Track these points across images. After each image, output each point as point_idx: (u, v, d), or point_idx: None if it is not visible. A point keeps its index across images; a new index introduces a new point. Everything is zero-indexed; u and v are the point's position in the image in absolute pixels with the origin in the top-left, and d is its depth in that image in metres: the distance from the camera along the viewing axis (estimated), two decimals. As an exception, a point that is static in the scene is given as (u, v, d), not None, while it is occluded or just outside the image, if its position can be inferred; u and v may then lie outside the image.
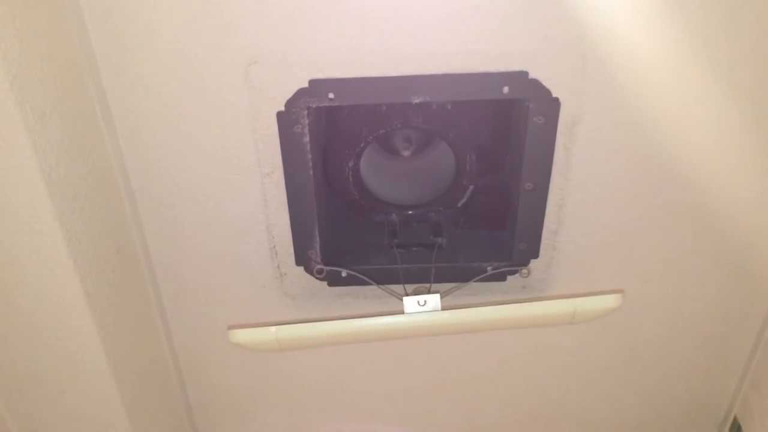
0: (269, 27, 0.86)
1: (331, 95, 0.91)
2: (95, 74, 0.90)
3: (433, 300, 0.93)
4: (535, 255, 1.09)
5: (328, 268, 1.07)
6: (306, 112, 0.93)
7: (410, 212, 1.17)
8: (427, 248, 1.12)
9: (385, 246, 1.13)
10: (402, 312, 0.94)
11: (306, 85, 0.91)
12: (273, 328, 0.90)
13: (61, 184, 0.83)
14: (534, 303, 0.92)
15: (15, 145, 0.75)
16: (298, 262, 1.09)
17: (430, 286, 1.06)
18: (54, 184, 0.81)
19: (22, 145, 0.75)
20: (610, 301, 0.93)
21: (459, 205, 1.14)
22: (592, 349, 1.26)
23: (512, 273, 1.10)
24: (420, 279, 1.09)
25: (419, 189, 1.17)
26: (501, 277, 1.11)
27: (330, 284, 1.12)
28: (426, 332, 0.95)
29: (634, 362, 1.28)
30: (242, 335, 0.92)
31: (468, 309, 0.91)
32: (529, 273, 1.08)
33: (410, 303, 0.94)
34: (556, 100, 0.92)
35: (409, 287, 1.04)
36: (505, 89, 0.91)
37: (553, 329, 1.17)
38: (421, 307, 0.93)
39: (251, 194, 1.03)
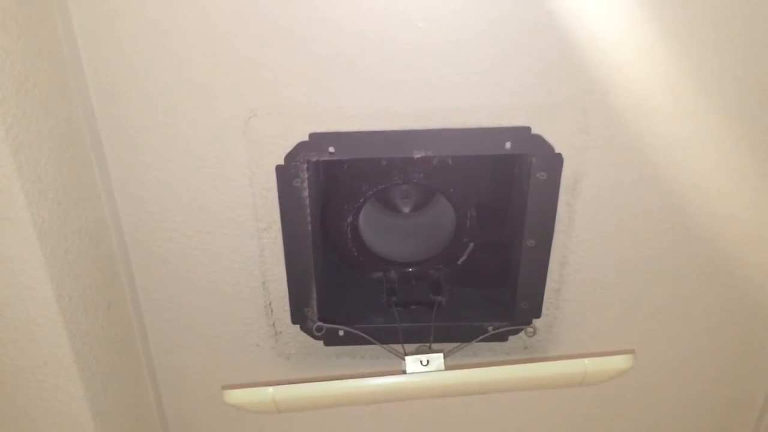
0: (270, 80, 0.86)
1: (331, 149, 0.90)
2: (92, 126, 0.89)
3: (436, 360, 0.90)
4: (537, 314, 1.06)
5: (327, 325, 1.04)
6: (306, 165, 0.92)
7: (409, 269, 1.15)
8: (426, 307, 1.10)
9: (383, 304, 1.11)
10: (403, 373, 0.91)
11: (306, 138, 0.90)
12: (270, 389, 0.87)
13: (54, 237, 0.80)
14: (543, 363, 0.89)
15: (8, 195, 0.73)
16: (294, 320, 1.06)
17: (430, 346, 1.03)
18: (46, 236, 0.78)
19: (15, 196, 0.73)
20: (622, 361, 0.90)
21: (459, 262, 1.12)
22: (599, 412, 1.22)
23: (514, 333, 1.08)
24: (419, 338, 1.06)
25: (418, 246, 1.16)
26: (502, 338, 1.09)
27: (326, 343, 1.09)
28: (430, 393, 0.91)
29: (642, 424, 1.25)
30: (238, 396, 0.88)
31: (474, 369, 0.88)
32: (534, 332, 1.05)
33: (412, 363, 0.91)
34: (559, 155, 0.91)
35: (408, 347, 1.01)
36: (508, 144, 0.90)
37: (558, 392, 1.14)
38: (424, 367, 0.90)
39: (247, 250, 1.01)
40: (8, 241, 0.76)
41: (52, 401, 0.90)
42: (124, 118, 0.89)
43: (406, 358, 0.91)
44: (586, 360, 0.89)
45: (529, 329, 1.05)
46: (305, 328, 1.07)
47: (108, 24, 0.82)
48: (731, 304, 1.08)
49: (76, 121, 0.86)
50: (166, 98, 0.87)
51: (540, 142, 0.90)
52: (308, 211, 0.95)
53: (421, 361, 0.91)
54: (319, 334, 1.05)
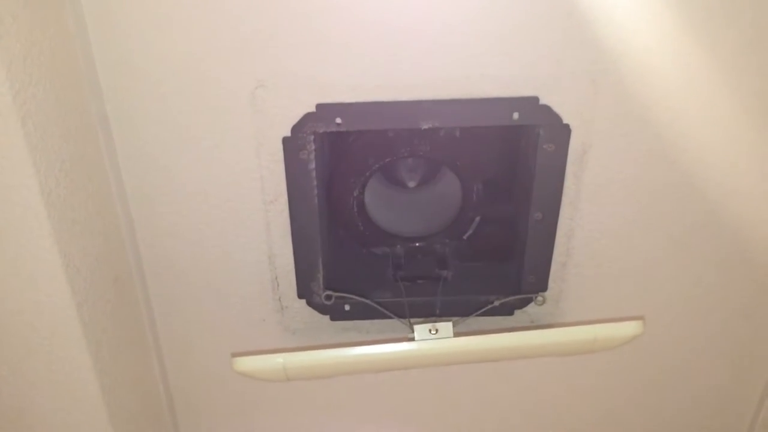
0: (277, 50, 0.85)
1: (338, 120, 0.90)
2: (98, 98, 0.88)
3: (445, 328, 0.90)
4: (544, 288, 1.06)
5: (336, 294, 1.03)
6: (312, 137, 0.91)
7: (415, 244, 1.14)
8: (432, 281, 1.09)
9: (389, 279, 1.11)
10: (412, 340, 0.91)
11: (313, 109, 0.89)
12: (280, 356, 0.86)
13: (61, 207, 0.80)
14: (553, 330, 0.88)
15: (16, 162, 0.72)
16: (300, 295, 1.06)
17: (436, 320, 1.02)
18: (54, 206, 0.78)
19: (23, 163, 0.72)
20: (631, 327, 0.89)
21: (465, 236, 1.12)
22: (606, 381, 1.23)
23: (520, 306, 1.08)
24: (425, 313, 1.06)
25: (424, 220, 1.15)
26: (508, 311, 1.09)
27: (332, 318, 1.09)
28: (439, 361, 0.91)
29: (648, 391, 1.25)
30: (247, 363, 0.88)
31: (483, 336, 0.88)
32: (544, 300, 1.05)
33: (421, 330, 0.91)
34: (567, 126, 0.91)
35: (415, 321, 1.01)
36: (515, 115, 0.90)
37: (567, 359, 1.14)
38: (433, 335, 0.90)
39: (254, 223, 1.00)
40: (16, 209, 0.76)
41: (60, 373, 0.90)
42: (129, 90, 0.89)
43: (415, 326, 0.91)
44: (596, 326, 0.88)
45: (539, 297, 1.05)
46: (311, 303, 1.07)
47: (114, -7, 0.82)
48: (739, 275, 1.08)
49: (82, 92, 0.85)
50: (172, 69, 0.87)
51: (548, 113, 0.90)
52: (315, 183, 0.95)
53: (430, 330, 0.91)
54: (328, 302, 1.04)
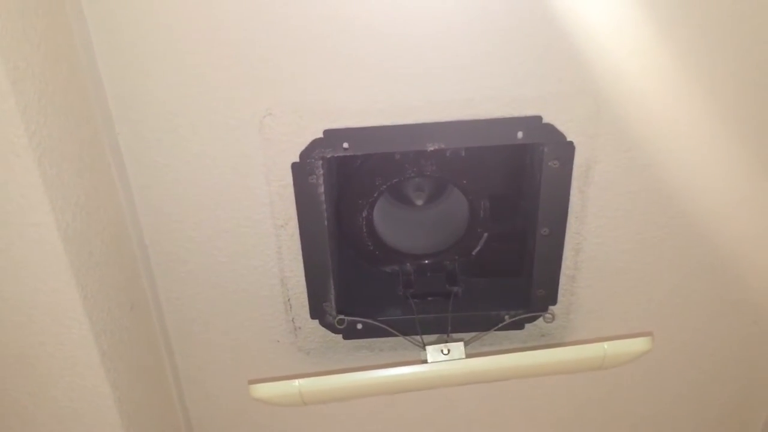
0: (283, 78, 0.87)
1: (345, 145, 0.91)
2: (110, 130, 0.90)
3: (457, 348, 0.92)
4: (554, 302, 1.07)
5: (348, 318, 1.05)
6: (321, 162, 0.93)
7: (424, 261, 1.16)
8: (442, 298, 1.11)
9: (399, 296, 1.12)
10: (423, 362, 0.92)
11: (320, 135, 0.91)
12: (296, 381, 0.88)
13: (78, 241, 0.82)
14: (563, 348, 0.89)
15: (33, 201, 0.74)
16: (313, 315, 1.08)
17: (448, 335, 1.04)
18: (71, 240, 0.80)
19: (40, 201, 0.74)
20: (641, 344, 0.91)
21: (473, 253, 1.13)
22: (616, 396, 1.23)
23: (531, 321, 1.09)
24: (436, 329, 1.07)
25: (433, 238, 1.17)
26: (519, 326, 1.10)
27: (345, 337, 1.10)
28: (452, 382, 0.93)
29: (657, 404, 1.25)
30: (264, 390, 0.89)
31: (494, 356, 0.89)
32: (553, 318, 1.06)
33: (433, 352, 0.92)
34: (571, 143, 0.92)
35: (427, 338, 1.02)
36: (520, 134, 0.91)
37: (575, 376, 1.15)
38: (445, 355, 0.91)
39: (265, 247, 1.02)
40: (34, 246, 0.78)
41: (81, 402, 0.92)
42: (140, 122, 0.91)
43: (427, 347, 0.92)
44: (605, 344, 0.90)
45: (548, 315, 1.06)
46: (324, 323, 1.08)
47: (123, 29, 0.84)
48: (745, 285, 1.09)
49: (94, 125, 0.87)
50: (182, 100, 0.89)
51: (551, 131, 0.91)
52: (324, 207, 0.97)
53: (442, 351, 0.92)
54: (341, 327, 1.06)
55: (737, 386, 1.23)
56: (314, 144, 0.91)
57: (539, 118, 0.90)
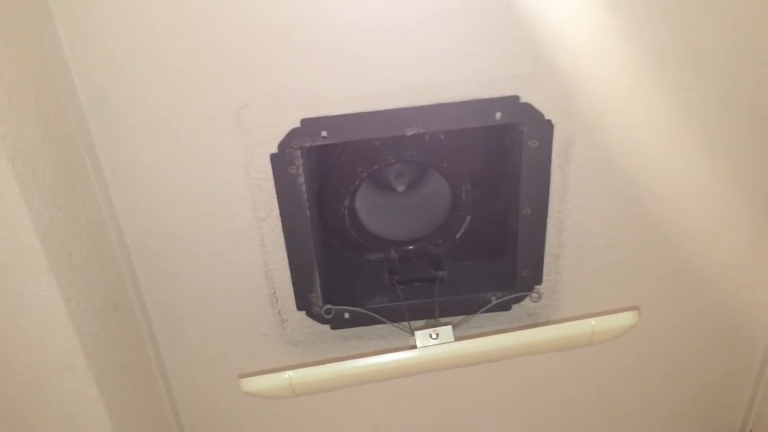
0: (258, 69, 0.86)
1: (324, 133, 0.91)
2: (84, 128, 0.89)
3: (446, 332, 0.92)
4: (539, 281, 1.08)
5: (336, 307, 1.04)
6: (300, 152, 0.92)
7: (409, 247, 1.16)
8: (428, 283, 1.11)
9: (385, 284, 1.12)
10: (413, 347, 0.92)
11: (298, 124, 0.90)
12: (287, 373, 0.87)
13: (57, 242, 0.80)
14: (551, 326, 0.90)
15: (9, 203, 0.73)
16: (300, 307, 1.07)
17: (436, 321, 1.04)
18: (49, 242, 0.79)
19: (15, 203, 0.73)
20: (627, 318, 0.91)
21: (457, 236, 1.13)
22: (602, 370, 1.24)
23: (517, 301, 1.09)
24: (424, 315, 1.07)
25: (416, 223, 1.16)
26: (506, 307, 1.10)
27: (333, 327, 1.10)
28: (441, 365, 0.92)
29: (645, 380, 1.27)
30: (255, 383, 0.89)
31: (483, 338, 0.89)
32: (540, 296, 1.07)
33: (422, 337, 0.92)
34: (549, 122, 0.92)
35: (415, 324, 1.02)
36: (498, 114, 0.91)
37: (564, 355, 1.15)
38: (434, 340, 0.91)
39: (248, 240, 1.01)
40: (12, 250, 0.77)
41: (69, 405, 0.91)
42: (114, 118, 0.89)
43: (416, 333, 0.92)
44: (592, 320, 0.90)
45: (534, 294, 1.07)
46: (311, 314, 1.08)
47: (92, 24, 0.82)
48: (727, 256, 1.10)
49: (67, 124, 0.86)
50: (156, 95, 0.88)
51: (529, 110, 0.91)
52: (305, 197, 0.96)
53: (430, 335, 0.92)
54: (328, 316, 1.06)
55: (722, 358, 1.24)
56: (292, 134, 0.91)
57: (516, 98, 0.90)
